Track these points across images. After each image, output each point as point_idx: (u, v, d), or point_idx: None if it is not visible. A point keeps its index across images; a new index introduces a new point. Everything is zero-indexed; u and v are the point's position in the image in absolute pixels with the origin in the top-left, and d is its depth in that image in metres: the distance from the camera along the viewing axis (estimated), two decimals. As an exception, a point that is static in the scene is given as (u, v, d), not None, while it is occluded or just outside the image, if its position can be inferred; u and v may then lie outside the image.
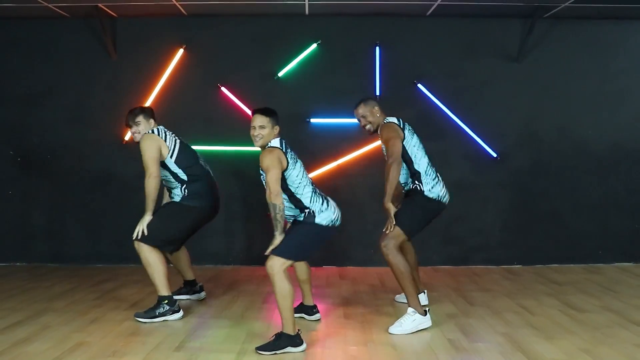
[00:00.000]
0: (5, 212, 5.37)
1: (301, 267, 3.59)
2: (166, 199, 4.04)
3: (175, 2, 4.85)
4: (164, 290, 3.64)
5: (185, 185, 3.78)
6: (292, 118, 4.97)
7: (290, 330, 3.02)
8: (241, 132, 5.22)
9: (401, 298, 3.95)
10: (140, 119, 3.80)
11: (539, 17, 5.10)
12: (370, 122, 3.72)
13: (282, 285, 3.01)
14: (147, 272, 3.67)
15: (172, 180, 3.81)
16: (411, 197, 3.66)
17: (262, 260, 4.61)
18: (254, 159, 5.25)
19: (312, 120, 5.26)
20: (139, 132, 3.80)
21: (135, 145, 5.31)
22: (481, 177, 5.20)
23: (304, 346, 3.04)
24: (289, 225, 3.41)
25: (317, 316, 3.63)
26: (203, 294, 4.16)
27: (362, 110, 3.73)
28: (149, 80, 5.26)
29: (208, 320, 3.60)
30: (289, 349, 2.99)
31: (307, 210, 3.23)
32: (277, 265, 3.03)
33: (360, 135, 5.25)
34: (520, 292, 4.28)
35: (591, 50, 5.36)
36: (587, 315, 3.66)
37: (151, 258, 3.63)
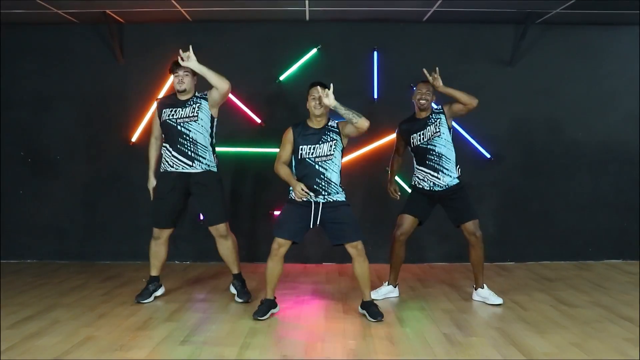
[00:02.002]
0: (17, 211, 5.37)
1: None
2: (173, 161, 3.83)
3: (180, 9, 4.86)
4: (236, 269, 3.96)
5: (215, 153, 3.87)
6: (293, 120, 4.94)
7: None
8: (244, 133, 5.24)
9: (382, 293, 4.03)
10: (189, 69, 3.76)
11: (531, 23, 5.10)
12: (427, 100, 3.90)
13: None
14: (232, 254, 3.92)
15: (206, 144, 3.81)
16: (461, 192, 3.91)
17: (264, 258, 4.62)
18: (256, 159, 5.29)
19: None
20: (184, 82, 3.75)
21: (141, 147, 5.33)
22: (475, 178, 5.19)
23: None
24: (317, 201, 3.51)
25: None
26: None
27: (431, 88, 3.90)
28: (154, 83, 5.26)
29: (212, 315, 3.60)
30: None
31: (342, 189, 3.57)
32: (362, 246, 3.50)
33: (359, 136, 5.25)
34: (512, 288, 4.28)
35: (581, 55, 5.36)
36: (578, 311, 3.66)
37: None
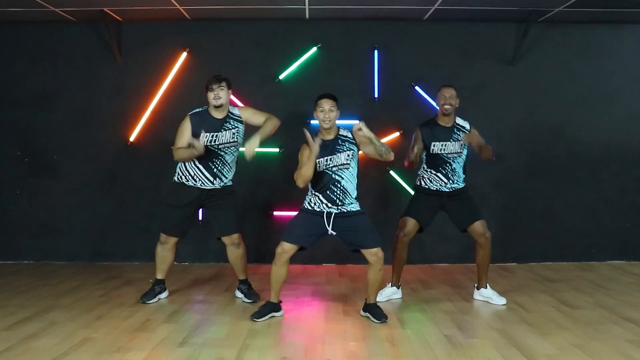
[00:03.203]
0: (14, 212, 5.38)
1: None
2: (193, 173, 3.80)
3: (179, 7, 4.86)
4: (243, 275, 4.02)
5: (235, 169, 3.94)
6: (293, 120, 4.97)
7: None
8: (246, 134, 5.23)
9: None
10: (224, 85, 3.75)
11: (533, 22, 5.11)
12: (452, 105, 3.89)
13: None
14: (242, 261, 3.99)
15: (233, 165, 3.88)
16: (466, 194, 3.96)
17: (262, 258, 4.62)
18: (256, 159, 5.27)
19: (313, 122, 5.27)
20: (220, 97, 3.72)
21: (139, 146, 5.34)
22: (477, 177, 5.19)
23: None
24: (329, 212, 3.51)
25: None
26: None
27: (454, 92, 3.91)
28: (153, 82, 5.27)
29: (211, 316, 3.60)
30: None
31: (357, 201, 3.56)
32: (382, 254, 3.47)
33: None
34: (514, 289, 4.29)
35: (584, 54, 5.37)
36: (580, 312, 3.66)
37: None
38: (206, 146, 3.68)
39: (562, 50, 5.35)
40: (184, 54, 5.24)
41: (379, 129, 5.17)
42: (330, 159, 3.48)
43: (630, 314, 3.60)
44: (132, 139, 5.29)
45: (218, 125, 3.76)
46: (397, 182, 5.29)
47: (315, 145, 3.36)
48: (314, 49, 5.26)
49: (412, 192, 4.21)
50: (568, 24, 5.30)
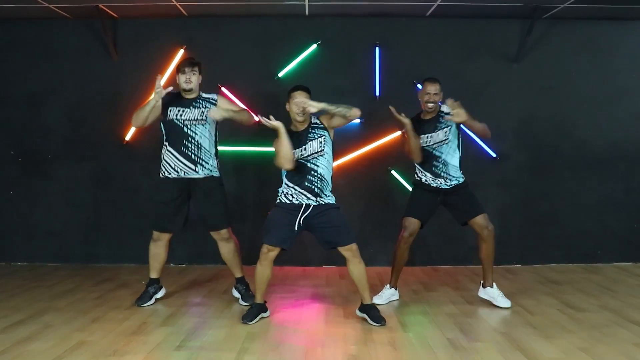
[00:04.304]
0: (7, 212, 5.39)
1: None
2: (171, 161, 3.81)
3: (175, 3, 4.86)
4: (239, 273, 4.01)
5: (217, 158, 3.91)
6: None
7: None
8: (241, 132, 5.25)
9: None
10: (197, 70, 3.80)
11: (538, 18, 5.11)
12: (435, 102, 3.89)
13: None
14: (235, 257, 3.98)
15: (210, 148, 3.84)
16: (467, 189, 3.95)
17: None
18: (254, 159, 5.30)
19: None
20: (192, 82, 3.76)
21: (135, 146, 5.35)
22: (480, 177, 5.19)
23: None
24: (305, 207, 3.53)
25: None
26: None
27: (439, 87, 3.90)
28: (149, 80, 5.23)
29: (208, 319, 3.61)
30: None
31: (331, 192, 3.61)
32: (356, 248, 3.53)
33: (360, 135, 5.27)
34: (519, 292, 4.29)
35: (590, 51, 5.37)
36: (586, 315, 3.67)
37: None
38: (173, 120, 3.75)
39: (568, 47, 5.36)
40: (181, 51, 5.25)
41: (381, 128, 5.19)
42: (304, 148, 3.53)
43: (636, 317, 3.60)
44: (128, 138, 5.29)
45: (186, 103, 3.81)
46: (398, 182, 5.29)
47: (273, 122, 3.41)
48: (314, 46, 5.26)
49: (410, 188, 4.19)
50: (573, 21, 5.31)
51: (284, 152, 3.42)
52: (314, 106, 3.42)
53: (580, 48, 5.37)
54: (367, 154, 5.28)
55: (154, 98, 3.67)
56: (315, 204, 3.51)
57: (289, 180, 3.58)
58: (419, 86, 5.24)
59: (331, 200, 3.58)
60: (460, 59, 5.30)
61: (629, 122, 5.40)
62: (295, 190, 3.53)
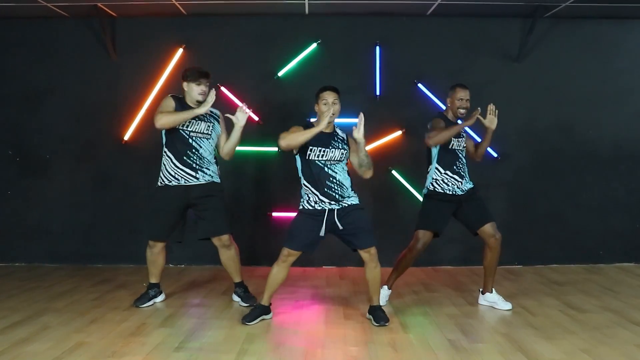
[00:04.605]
0: (5, 212, 5.39)
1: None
2: (168, 170, 3.80)
3: (174, 2, 4.87)
4: (238, 277, 4.00)
5: (218, 165, 3.92)
6: (292, 118, 4.97)
7: None
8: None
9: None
10: (210, 81, 3.81)
11: (540, 17, 5.11)
12: (467, 108, 3.92)
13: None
14: (235, 263, 3.96)
15: (211, 158, 3.86)
16: (478, 194, 3.99)
17: (259, 260, 4.61)
18: (254, 159, 5.31)
19: (312, 120, 5.26)
20: (206, 94, 3.73)
21: (134, 145, 5.35)
22: (482, 177, 5.18)
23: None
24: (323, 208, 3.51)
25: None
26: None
27: (469, 94, 3.93)
28: (148, 80, 5.27)
29: (207, 320, 3.61)
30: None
31: (355, 192, 3.59)
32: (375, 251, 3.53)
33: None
34: (520, 292, 4.29)
35: (592, 50, 5.37)
36: (587, 316, 3.67)
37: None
38: (179, 130, 3.72)
39: (570, 46, 5.36)
40: (180, 51, 5.25)
41: (381, 128, 5.19)
42: (324, 150, 3.49)
43: (639, 318, 3.60)
44: (126, 137, 5.30)
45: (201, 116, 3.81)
46: (399, 182, 5.29)
47: (323, 123, 3.37)
48: (314, 45, 5.26)
49: (422, 200, 4.09)
50: (575, 20, 5.31)
51: (297, 137, 3.39)
52: (360, 135, 3.40)
53: (582, 47, 5.37)
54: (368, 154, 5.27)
55: (200, 111, 3.63)
56: (338, 207, 3.50)
57: (309, 184, 3.51)
58: (420, 86, 5.26)
59: (354, 200, 3.56)
60: (461, 58, 5.31)
61: (631, 122, 5.40)
62: (317, 197, 3.49)
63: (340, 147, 3.53)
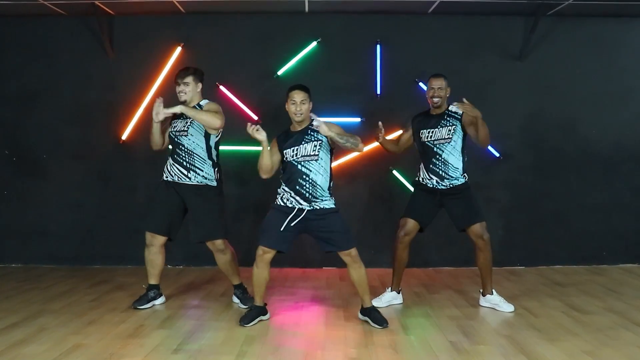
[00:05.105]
0: (1, 213, 5.39)
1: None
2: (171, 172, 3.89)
3: (173, 0, 4.86)
4: (236, 280, 4.03)
5: (218, 168, 3.91)
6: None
7: None
8: (240, 131, 5.23)
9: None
10: (189, 79, 3.82)
11: (542, 15, 5.11)
12: (440, 97, 3.86)
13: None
14: (231, 267, 3.97)
15: (204, 156, 3.84)
16: (467, 192, 3.90)
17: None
18: (254, 158, 5.27)
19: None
20: (185, 92, 3.80)
21: (132, 145, 5.35)
22: (484, 177, 5.20)
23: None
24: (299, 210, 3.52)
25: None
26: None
27: (443, 82, 3.88)
28: (146, 78, 5.27)
29: (206, 322, 3.61)
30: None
31: (331, 195, 3.59)
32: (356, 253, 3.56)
33: (361, 135, 5.24)
34: (522, 294, 4.29)
35: (595, 48, 5.37)
36: (591, 317, 3.67)
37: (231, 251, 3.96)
38: (169, 131, 3.90)
39: (572, 44, 5.36)
40: (178, 49, 5.25)
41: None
42: (297, 149, 3.52)
43: (642, 320, 3.61)
44: (124, 137, 5.30)
45: (178, 115, 3.86)
46: (399, 182, 5.29)
47: (258, 134, 3.44)
48: (314, 43, 5.26)
49: (412, 189, 4.20)
50: (578, 18, 5.31)
51: (260, 161, 3.54)
52: (325, 132, 3.40)
53: (585, 46, 5.37)
54: (367, 154, 5.26)
55: (154, 120, 3.76)
56: (309, 208, 3.50)
57: (283, 183, 3.59)
58: (421, 85, 5.26)
59: (328, 204, 3.54)
60: (462, 57, 5.31)
61: (634, 121, 5.40)
62: (290, 194, 3.53)
63: (313, 139, 3.54)
